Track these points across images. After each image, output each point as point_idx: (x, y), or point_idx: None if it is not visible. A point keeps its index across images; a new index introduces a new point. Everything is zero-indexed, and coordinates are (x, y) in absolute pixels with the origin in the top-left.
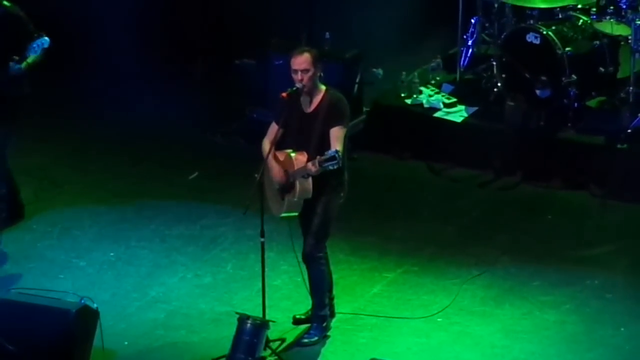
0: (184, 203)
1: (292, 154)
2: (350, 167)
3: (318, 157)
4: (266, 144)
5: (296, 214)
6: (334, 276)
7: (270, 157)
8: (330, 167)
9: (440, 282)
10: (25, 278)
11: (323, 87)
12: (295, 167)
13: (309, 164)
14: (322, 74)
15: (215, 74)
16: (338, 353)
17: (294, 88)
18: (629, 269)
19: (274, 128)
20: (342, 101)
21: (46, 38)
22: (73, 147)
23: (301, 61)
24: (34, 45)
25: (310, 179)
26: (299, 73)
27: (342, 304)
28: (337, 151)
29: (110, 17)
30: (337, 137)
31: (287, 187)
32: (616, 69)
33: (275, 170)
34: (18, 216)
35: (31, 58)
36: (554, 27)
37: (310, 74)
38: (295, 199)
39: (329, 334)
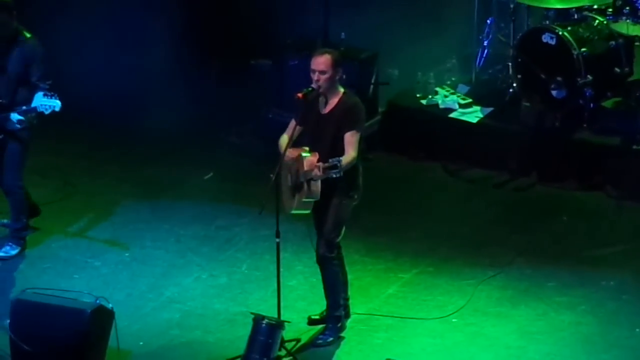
0: (199, 203)
1: (304, 154)
2: (365, 168)
3: (322, 163)
4: (284, 139)
5: (307, 211)
6: (349, 277)
7: (288, 152)
8: (333, 175)
9: (455, 282)
10: (40, 278)
11: (341, 90)
12: (305, 169)
13: (315, 169)
14: (344, 77)
15: (230, 74)
16: (353, 354)
17: (309, 88)
18: None
19: (292, 124)
20: (358, 105)
21: (58, 102)
22: (88, 147)
23: (320, 62)
24: (45, 105)
25: (318, 182)
26: (317, 73)
27: (357, 305)
28: (339, 160)
29: (124, 17)
30: (350, 143)
31: (297, 186)
32: (632, 69)
33: (292, 159)
34: (35, 215)
35: (33, 116)
36: (569, 28)
37: (327, 75)
38: (304, 200)
39: (344, 334)
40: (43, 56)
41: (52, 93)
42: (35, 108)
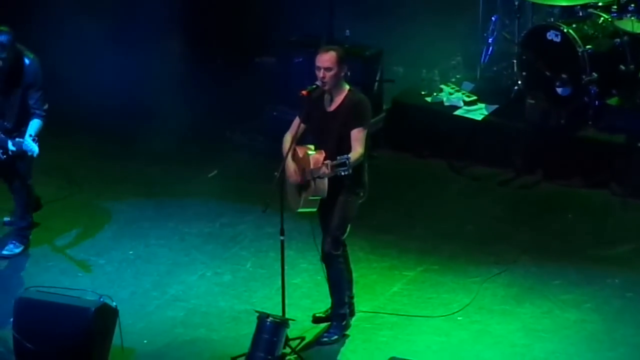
0: (204, 201)
1: (310, 152)
2: (370, 166)
3: (330, 161)
4: (288, 138)
5: (314, 209)
6: (354, 275)
7: (289, 156)
8: (342, 173)
9: (460, 280)
10: (44, 276)
11: (346, 87)
12: (312, 166)
13: (323, 166)
14: (348, 74)
15: (235, 72)
16: (358, 352)
17: (314, 86)
18: None
19: (296, 122)
20: (364, 102)
21: (37, 149)
22: (92, 145)
23: (325, 59)
24: (29, 147)
25: (325, 180)
26: (322, 70)
27: (362, 303)
28: (348, 158)
29: (127, 15)
30: (357, 139)
31: (304, 185)
32: (637, 67)
33: (291, 172)
34: (36, 209)
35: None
36: (574, 25)
37: (332, 72)
38: (311, 198)
39: (348, 332)
40: (43, 81)
41: (37, 137)
42: (22, 143)
